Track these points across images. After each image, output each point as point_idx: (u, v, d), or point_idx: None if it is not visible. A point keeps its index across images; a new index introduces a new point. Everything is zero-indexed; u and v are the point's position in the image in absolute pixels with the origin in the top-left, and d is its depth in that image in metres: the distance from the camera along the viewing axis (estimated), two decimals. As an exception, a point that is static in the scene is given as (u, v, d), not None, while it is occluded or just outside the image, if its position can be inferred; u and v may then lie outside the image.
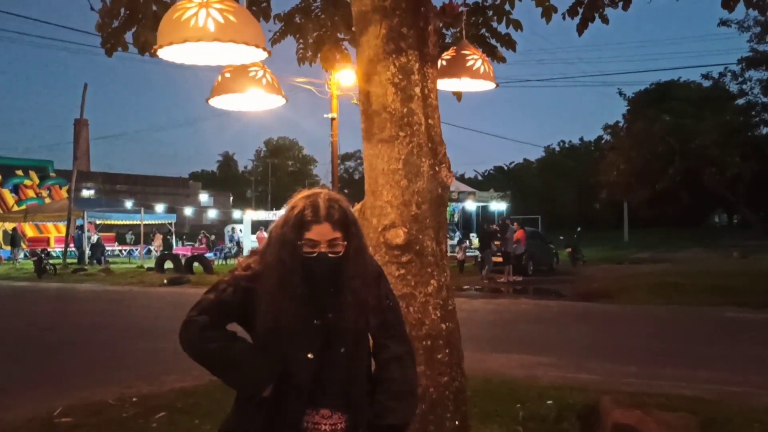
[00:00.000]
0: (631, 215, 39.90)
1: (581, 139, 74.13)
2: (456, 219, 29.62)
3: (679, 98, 29.15)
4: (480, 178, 70.78)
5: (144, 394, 6.57)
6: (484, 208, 30.76)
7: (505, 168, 76.31)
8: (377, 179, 2.83)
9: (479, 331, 9.86)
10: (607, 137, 37.01)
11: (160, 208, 33.38)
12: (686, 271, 19.14)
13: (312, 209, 2.03)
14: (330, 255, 2.02)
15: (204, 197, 76.22)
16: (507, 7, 4.92)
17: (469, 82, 3.69)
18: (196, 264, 22.74)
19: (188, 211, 43.20)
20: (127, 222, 32.41)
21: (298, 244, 2.01)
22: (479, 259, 21.13)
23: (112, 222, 31.54)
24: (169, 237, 33.45)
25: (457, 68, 3.56)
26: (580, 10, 5.19)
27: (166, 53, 2.51)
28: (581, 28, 5.20)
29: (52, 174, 40.62)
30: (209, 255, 26.32)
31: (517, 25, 5.06)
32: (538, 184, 64.79)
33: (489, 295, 16.47)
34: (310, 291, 2.03)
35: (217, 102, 3.29)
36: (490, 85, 3.74)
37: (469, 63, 3.59)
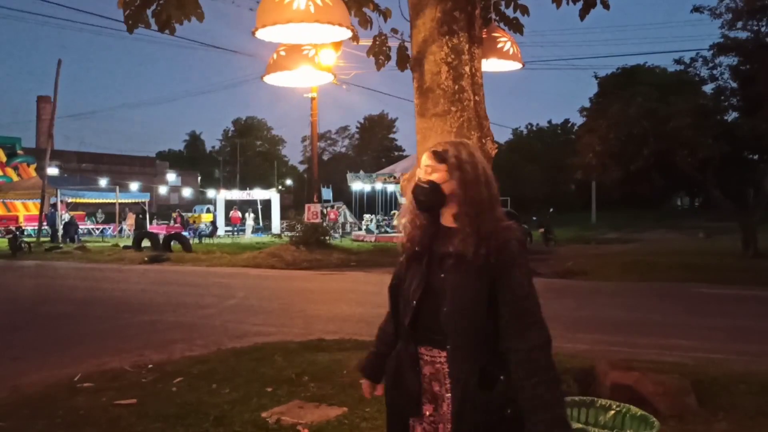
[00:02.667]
0: (598, 197, 40.83)
1: (549, 122, 75.14)
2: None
3: (645, 83, 29.96)
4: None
5: (157, 362, 6.79)
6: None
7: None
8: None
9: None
10: (574, 121, 37.76)
11: (134, 186, 33.13)
12: (655, 250, 19.88)
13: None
14: (422, 184, 2.18)
15: (172, 177, 75.35)
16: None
17: (497, 62, 3.97)
18: (173, 242, 22.74)
19: (163, 190, 42.89)
20: (100, 201, 32.09)
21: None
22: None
23: (85, 200, 31.19)
24: (141, 216, 33.22)
25: (487, 49, 3.84)
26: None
27: (264, 33, 2.74)
28: (583, 13, 5.50)
29: (20, 151, 39.86)
30: (185, 234, 26.27)
31: (524, 10, 5.35)
32: (507, 166, 65.64)
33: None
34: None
35: (271, 79, 3.53)
36: (517, 66, 4.04)
37: (500, 45, 3.88)
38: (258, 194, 36.45)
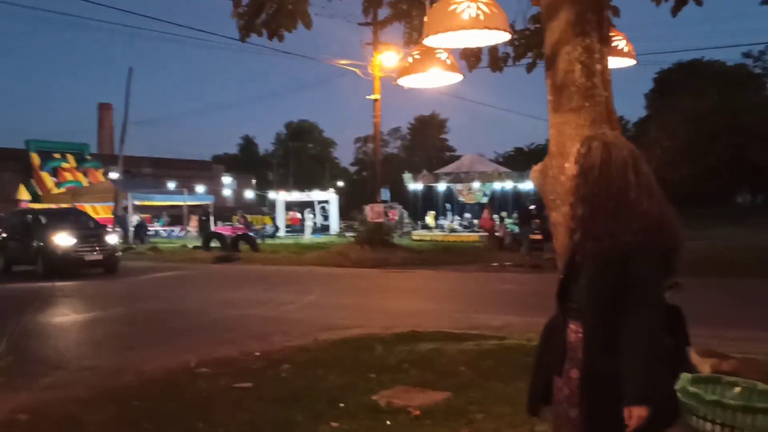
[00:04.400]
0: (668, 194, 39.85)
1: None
2: (460, 200, 30.28)
3: (706, 77, 29.32)
4: (501, 160, 71.05)
5: (264, 351, 7.19)
6: (515, 188, 31.21)
7: (525, 150, 76.35)
8: (565, 143, 3.35)
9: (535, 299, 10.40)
10: (628, 118, 37.18)
11: (200, 189, 34.26)
12: (727, 246, 19.55)
13: None
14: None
15: (228, 180, 77.07)
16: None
17: (613, 59, 4.19)
18: (241, 243, 23.45)
19: (227, 192, 44.07)
20: (167, 203, 33.23)
21: None
22: (517, 237, 21.63)
23: (153, 203, 32.34)
24: (204, 218, 34.23)
25: (604, 48, 4.05)
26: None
27: (432, 40, 3.06)
28: (675, 10, 5.64)
29: (88, 157, 41.51)
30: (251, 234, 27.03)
31: (616, 12, 5.51)
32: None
33: (531, 271, 16.91)
34: None
35: (405, 81, 3.83)
36: (631, 62, 4.25)
37: (615, 43, 4.10)
38: (316, 195, 37.10)
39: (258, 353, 7.04)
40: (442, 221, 30.17)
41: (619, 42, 4.08)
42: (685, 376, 3.39)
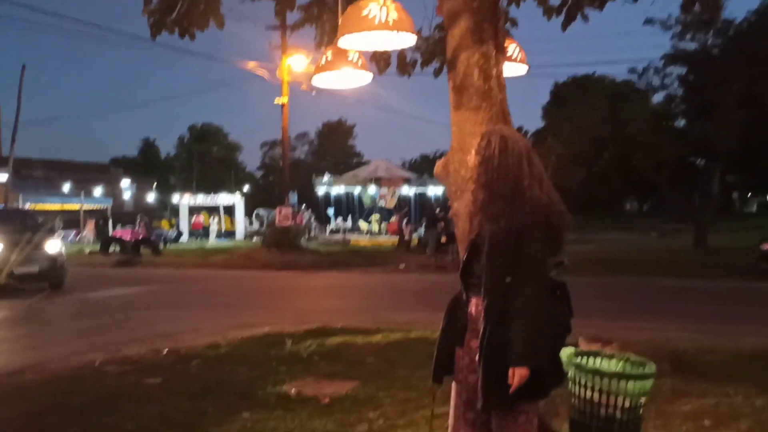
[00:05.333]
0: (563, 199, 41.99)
1: (506, 127, 76.37)
2: (380, 204, 30.89)
3: (598, 91, 31.31)
4: (407, 166, 72.34)
5: (172, 348, 7.18)
6: (421, 193, 32.05)
7: (431, 156, 78.11)
8: (465, 139, 3.66)
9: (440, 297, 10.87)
10: (527, 128, 39.14)
11: (98, 192, 32.94)
12: (615, 249, 20.91)
13: None
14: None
15: (126, 183, 74.35)
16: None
17: (507, 66, 4.58)
18: (142, 247, 22.81)
19: (126, 195, 42.54)
20: (64, 206, 31.76)
21: None
22: (423, 240, 22.25)
23: (48, 206, 30.83)
24: (102, 222, 32.95)
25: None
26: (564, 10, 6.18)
27: (346, 41, 3.29)
28: (565, 25, 6.16)
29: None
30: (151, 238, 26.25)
31: (514, 22, 5.98)
32: (465, 171, 66.68)
33: (436, 272, 17.46)
34: None
35: (318, 80, 4.06)
36: (524, 69, 4.65)
37: (509, 52, 4.48)
38: (222, 199, 36.51)
39: (167, 350, 7.03)
40: (344, 224, 30.49)
41: (514, 50, 4.46)
42: (568, 350, 3.80)
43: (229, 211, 36.18)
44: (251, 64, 21.72)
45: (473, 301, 2.87)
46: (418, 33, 3.46)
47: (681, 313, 10.01)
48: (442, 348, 3.00)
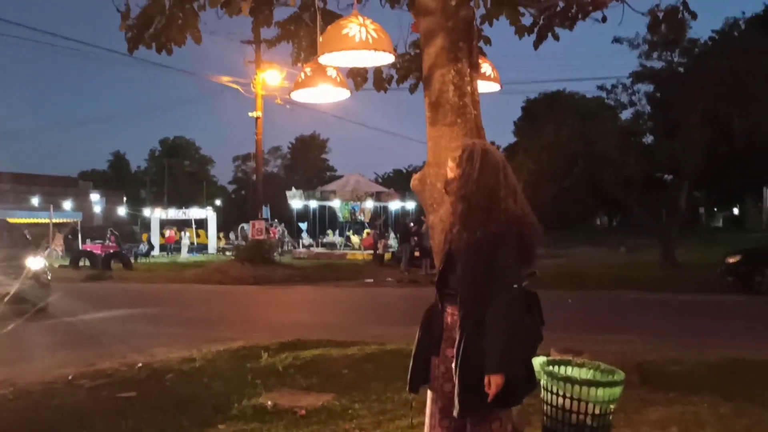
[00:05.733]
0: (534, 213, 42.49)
1: (478, 143, 76.88)
2: (361, 217, 30.94)
3: (567, 107, 31.90)
4: (380, 181, 72.54)
5: (146, 362, 7.14)
6: (394, 207, 32.19)
7: (404, 171, 78.44)
8: (440, 153, 3.77)
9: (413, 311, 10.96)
10: (499, 143, 39.67)
11: (67, 206, 32.45)
12: (584, 264, 21.23)
13: None
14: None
15: (95, 197, 73.32)
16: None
17: (481, 83, 4.71)
18: (113, 261, 22.55)
19: (96, 209, 41.95)
20: (33, 220, 31.22)
21: None
22: (397, 254, 22.34)
23: (16, 220, 30.23)
24: (71, 236, 32.47)
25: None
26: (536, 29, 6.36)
27: (326, 58, 3.39)
28: (537, 44, 6.34)
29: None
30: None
31: (487, 41, 6.14)
32: (437, 186, 66.91)
33: (410, 285, 17.54)
34: None
35: (297, 95, 4.15)
36: (496, 87, 4.79)
37: (483, 70, 4.62)
38: (194, 213, 36.25)
39: (140, 365, 6.98)
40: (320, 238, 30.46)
41: (487, 68, 4.60)
42: (540, 358, 3.91)
43: (201, 225, 35.94)
44: (225, 78, 21.72)
45: (449, 310, 2.95)
46: (394, 50, 3.57)
47: (649, 326, 10.24)
48: (418, 357, 3.06)
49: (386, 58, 3.55)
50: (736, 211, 55.45)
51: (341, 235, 30.77)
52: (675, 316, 11.59)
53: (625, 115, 22.45)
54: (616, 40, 20.69)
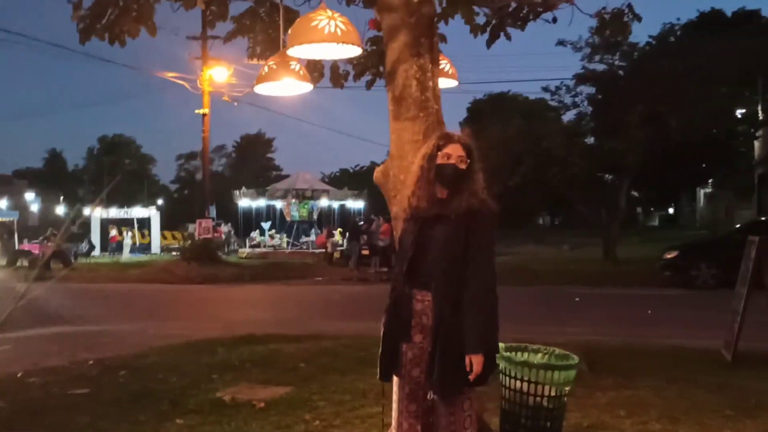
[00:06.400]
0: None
1: (423, 143, 77.47)
2: (314, 216, 30.81)
3: (512, 108, 32.53)
4: (326, 180, 72.26)
5: (97, 359, 7.02)
6: (342, 206, 32.19)
7: (351, 171, 78.39)
8: (404, 146, 3.87)
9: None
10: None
11: (2, 204, 31.21)
12: (531, 261, 21.76)
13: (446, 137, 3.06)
14: (459, 168, 3.00)
15: (30, 196, 70.81)
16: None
17: (440, 80, 4.83)
18: (53, 261, 21.88)
19: (32, 208, 40.47)
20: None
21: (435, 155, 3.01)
22: (346, 252, 22.38)
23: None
24: (6, 236, 31.30)
25: (432, 69, 4.68)
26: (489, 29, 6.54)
27: (295, 51, 3.44)
28: (489, 43, 6.51)
29: None
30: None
31: (442, 38, 6.27)
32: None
33: (359, 284, 17.65)
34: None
35: (260, 89, 4.19)
36: (454, 83, 4.93)
37: (442, 66, 4.74)
38: (137, 212, 35.40)
39: (91, 361, 6.86)
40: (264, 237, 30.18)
41: (446, 65, 4.73)
42: (499, 344, 4.05)
43: (144, 224, 35.16)
44: (170, 75, 21.34)
45: (418, 296, 3.01)
46: (361, 43, 3.65)
47: (594, 319, 10.61)
48: (387, 345, 3.10)
49: (354, 51, 3.63)
50: (671, 210, 57.57)
51: (289, 235, 30.54)
52: (618, 309, 12.01)
53: (569, 116, 23.10)
54: (560, 42, 21.25)
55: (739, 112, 22.69)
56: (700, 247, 16.74)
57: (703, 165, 26.74)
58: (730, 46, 19.02)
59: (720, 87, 19.94)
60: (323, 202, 29.93)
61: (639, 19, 6.34)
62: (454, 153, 3.03)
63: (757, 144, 26.85)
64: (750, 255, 6.85)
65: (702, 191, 42.07)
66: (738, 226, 18.03)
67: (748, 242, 7.05)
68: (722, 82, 19.76)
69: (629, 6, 6.27)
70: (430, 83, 3.95)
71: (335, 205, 31.42)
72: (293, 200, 28.46)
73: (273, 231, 30.60)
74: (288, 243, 28.98)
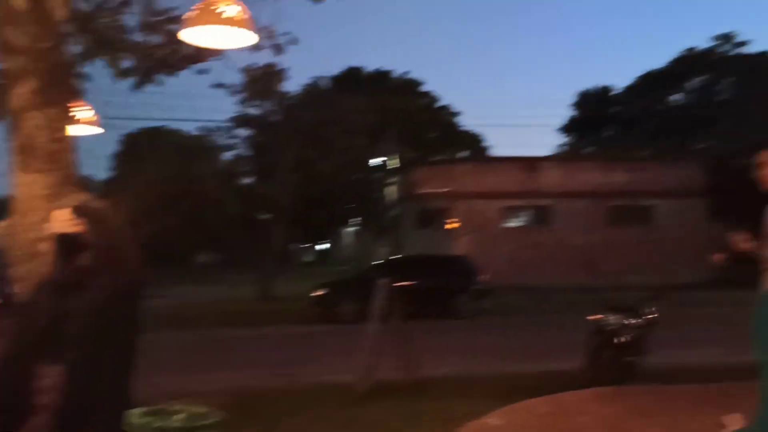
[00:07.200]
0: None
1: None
2: None
3: (169, 143, 32.02)
4: None
5: None
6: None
7: None
8: (32, 201, 3.47)
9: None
10: (98, 176, 37.69)
11: None
12: (186, 303, 21.34)
13: None
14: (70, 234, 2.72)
15: None
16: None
17: (79, 127, 4.52)
18: None
19: None
20: None
21: None
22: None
23: None
24: None
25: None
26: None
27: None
28: (138, 86, 6.35)
29: None
30: None
31: (85, 76, 5.92)
32: None
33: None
34: None
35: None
36: (98, 130, 4.66)
37: (82, 113, 4.46)
38: None
39: None
40: None
41: (87, 112, 4.45)
42: (136, 411, 3.88)
43: None
44: None
45: (47, 370, 2.72)
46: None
47: (249, 360, 10.80)
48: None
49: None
50: (327, 245, 61.99)
51: None
52: (271, 349, 12.40)
53: (227, 156, 23.45)
54: (217, 85, 21.51)
55: (375, 161, 25.68)
56: (342, 283, 17.84)
57: (347, 206, 29.52)
58: (366, 101, 21.48)
59: (359, 137, 22.32)
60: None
61: (283, 77, 6.84)
62: (60, 218, 2.83)
63: (390, 189, 30.63)
64: (380, 295, 7.71)
65: (351, 229, 46.28)
66: (374, 263, 20.13)
67: (378, 284, 7.90)
68: (360, 132, 22.16)
69: (274, 65, 6.73)
70: (62, 133, 3.66)
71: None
72: None
73: None
74: None
